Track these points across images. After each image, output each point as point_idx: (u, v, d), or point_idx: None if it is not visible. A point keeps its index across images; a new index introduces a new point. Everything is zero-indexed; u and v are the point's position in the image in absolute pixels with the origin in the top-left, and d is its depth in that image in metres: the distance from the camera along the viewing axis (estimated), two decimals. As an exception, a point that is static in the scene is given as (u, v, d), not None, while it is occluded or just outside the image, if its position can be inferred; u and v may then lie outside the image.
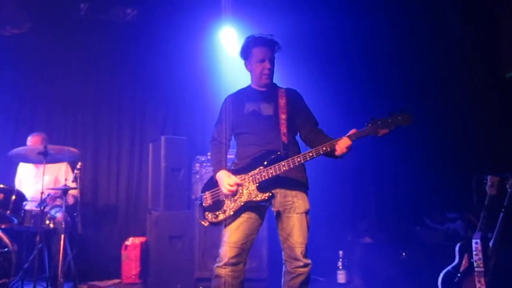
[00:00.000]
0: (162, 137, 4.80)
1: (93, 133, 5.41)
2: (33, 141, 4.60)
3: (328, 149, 2.69)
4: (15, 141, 4.87)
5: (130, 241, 4.89)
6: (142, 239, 4.92)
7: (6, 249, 3.88)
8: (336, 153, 2.69)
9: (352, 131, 2.73)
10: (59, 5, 5.13)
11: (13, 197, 3.93)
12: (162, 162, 4.73)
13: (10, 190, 3.97)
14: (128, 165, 5.44)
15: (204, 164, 4.61)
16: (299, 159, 2.76)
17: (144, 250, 4.87)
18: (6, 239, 3.95)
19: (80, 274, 4.45)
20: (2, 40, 5.25)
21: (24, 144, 4.57)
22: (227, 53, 5.05)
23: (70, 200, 4.58)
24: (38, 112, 5.30)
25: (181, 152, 4.87)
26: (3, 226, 4.02)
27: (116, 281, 4.88)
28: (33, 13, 5.25)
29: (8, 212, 3.89)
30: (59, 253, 4.18)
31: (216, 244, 4.02)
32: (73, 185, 4.35)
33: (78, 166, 4.32)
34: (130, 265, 4.83)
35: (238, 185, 2.79)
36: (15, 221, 4.00)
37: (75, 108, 5.38)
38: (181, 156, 4.85)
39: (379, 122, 2.69)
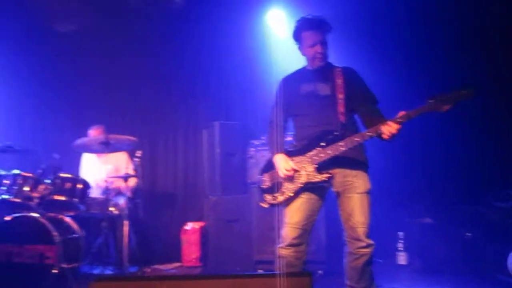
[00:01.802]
0: (216, 123, 4.86)
1: (149, 123, 5.58)
2: (94, 132, 4.79)
3: (380, 131, 2.64)
4: (76, 133, 5.08)
5: (189, 226, 5.02)
6: (200, 223, 5.04)
7: (75, 235, 4.09)
8: (384, 136, 2.63)
9: (401, 113, 2.64)
10: (110, -1, 5.29)
11: (79, 186, 4.12)
12: (217, 147, 4.80)
13: (76, 179, 4.16)
14: (183, 152, 5.58)
15: (259, 148, 4.64)
16: (357, 139, 2.72)
17: (203, 234, 4.98)
18: (74, 226, 4.16)
19: (143, 258, 4.63)
20: (59, 36, 5.48)
21: (84, 135, 4.77)
22: (276, 35, 5.02)
23: (131, 187, 4.75)
24: (96, 105, 5.51)
25: (235, 137, 4.92)
26: (71, 214, 4.23)
27: (177, 264, 5.03)
28: (86, 9, 5.43)
29: (75, 200, 4.08)
30: (124, 238, 4.37)
31: (273, 227, 4.05)
32: (133, 172, 4.51)
33: (137, 155, 4.46)
34: (190, 249, 4.96)
35: (294, 170, 2.79)
36: (82, 208, 4.19)
37: (131, 99, 5.56)
38: (235, 141, 4.90)
39: (442, 98, 2.59)
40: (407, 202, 5.01)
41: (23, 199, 3.95)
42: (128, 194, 4.53)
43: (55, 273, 3.69)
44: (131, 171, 4.64)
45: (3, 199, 4.01)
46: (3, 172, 4.18)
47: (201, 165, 5.36)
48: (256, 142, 4.69)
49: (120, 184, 4.67)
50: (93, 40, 5.46)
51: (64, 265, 3.76)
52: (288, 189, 2.83)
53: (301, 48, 3.01)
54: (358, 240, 2.77)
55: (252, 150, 4.69)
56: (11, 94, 5.40)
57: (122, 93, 5.55)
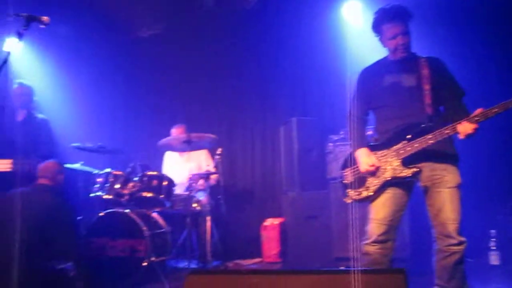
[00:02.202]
0: (293, 119, 4.86)
1: (227, 121, 5.72)
2: (176, 131, 4.99)
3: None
4: (160, 133, 5.33)
5: (268, 222, 5.07)
6: (280, 219, 5.06)
7: (162, 230, 4.29)
8: (460, 136, 2.53)
9: (477, 111, 2.50)
10: (188, 2, 5.47)
11: (165, 183, 4.30)
12: (295, 143, 4.80)
13: (162, 177, 4.35)
14: (261, 149, 5.65)
15: (338, 143, 4.56)
16: (447, 131, 2.59)
17: (282, 230, 5.00)
18: (161, 221, 4.36)
19: (225, 253, 4.75)
20: (141, 41, 5.78)
21: (166, 134, 4.97)
22: (353, 27, 4.91)
23: (212, 184, 4.88)
24: (178, 105, 5.76)
25: (313, 132, 4.88)
26: (157, 209, 4.44)
27: (258, 260, 5.10)
28: (165, 14, 5.68)
29: (162, 196, 4.26)
30: (206, 234, 4.51)
31: (354, 223, 3.96)
32: (214, 170, 4.63)
33: (218, 152, 4.58)
34: (270, 245, 5.00)
35: (377, 165, 2.72)
36: (167, 204, 4.38)
37: (210, 98, 5.73)
38: (313, 136, 4.86)
39: None
40: (500, 197, 4.68)
41: (115, 195, 4.21)
42: (209, 191, 4.65)
43: (144, 266, 3.89)
44: (212, 169, 4.77)
45: (97, 196, 4.30)
46: (96, 171, 4.50)
47: (279, 162, 5.38)
48: (335, 137, 4.62)
49: (202, 181, 4.81)
50: (172, 43, 5.71)
51: (153, 258, 3.95)
52: (373, 184, 2.76)
53: (382, 40, 2.91)
54: (449, 237, 2.63)
55: (330, 145, 4.62)
56: (103, 98, 5.79)
57: (202, 92, 5.74)
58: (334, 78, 5.07)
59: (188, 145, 4.33)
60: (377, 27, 2.88)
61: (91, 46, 5.73)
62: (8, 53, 2.46)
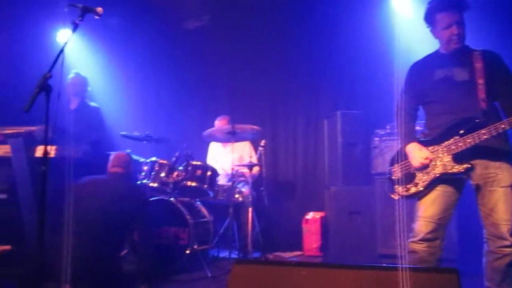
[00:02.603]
0: (338, 112, 4.80)
1: (270, 113, 5.72)
2: (220, 123, 5.04)
3: None
4: (203, 123, 5.40)
5: (310, 216, 5.05)
6: (321, 213, 5.03)
7: (205, 219, 4.36)
8: None
9: None
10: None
11: (209, 173, 4.36)
12: (339, 137, 4.74)
13: (206, 166, 4.41)
14: (304, 142, 5.62)
15: (384, 138, 4.47)
16: (503, 126, 2.48)
17: (324, 224, 4.97)
18: (204, 210, 4.43)
19: (266, 245, 4.78)
20: (188, 32, 5.86)
21: (210, 125, 5.03)
22: (403, 20, 4.77)
23: (255, 176, 4.91)
24: (222, 96, 5.81)
25: (357, 126, 4.80)
26: (200, 199, 4.51)
27: (299, 253, 5.09)
28: (211, 6, 5.73)
29: (205, 186, 4.32)
30: (247, 225, 4.54)
31: (399, 220, 3.89)
32: (257, 161, 4.65)
33: (262, 144, 4.60)
34: (311, 238, 4.99)
35: (430, 159, 2.65)
36: (210, 194, 4.44)
37: (254, 90, 5.73)
38: (358, 130, 4.78)
39: None
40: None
41: (160, 184, 4.30)
42: (252, 182, 4.68)
43: (188, 253, 3.96)
44: (254, 160, 4.80)
45: (143, 184, 4.41)
46: (142, 159, 4.61)
47: (322, 155, 5.34)
48: (381, 132, 4.53)
49: (245, 172, 4.85)
50: (218, 35, 5.74)
51: (195, 247, 4.03)
52: (422, 180, 2.69)
53: (434, 31, 2.82)
54: (502, 238, 2.53)
55: (376, 140, 4.54)
56: (151, 88, 5.93)
57: (246, 84, 5.75)
58: (382, 71, 4.95)
59: (232, 136, 4.37)
60: (430, 16, 2.78)
61: (140, 37, 5.86)
62: (65, 43, 2.55)
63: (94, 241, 2.96)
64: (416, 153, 2.70)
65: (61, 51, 2.55)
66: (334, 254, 4.61)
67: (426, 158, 2.66)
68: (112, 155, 3.73)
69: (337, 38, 5.38)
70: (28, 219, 4.44)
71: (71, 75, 4.58)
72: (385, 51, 4.89)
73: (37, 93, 2.42)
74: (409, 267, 1.60)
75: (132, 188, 3.63)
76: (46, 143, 2.43)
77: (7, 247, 4.39)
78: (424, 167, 2.68)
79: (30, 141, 4.43)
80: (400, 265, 1.60)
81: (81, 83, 4.57)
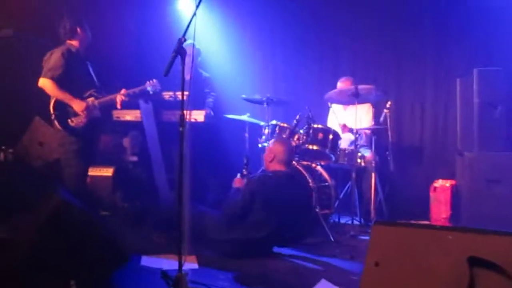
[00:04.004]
0: (475, 70, 4.43)
1: (394, 71, 5.50)
2: (343, 84, 4.97)
3: None
4: (324, 85, 5.39)
5: (439, 183, 4.82)
6: (452, 181, 4.78)
7: (326, 184, 4.39)
8: None
9: None
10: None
11: (330, 136, 4.35)
12: (475, 97, 4.40)
13: (328, 129, 4.40)
14: (432, 103, 5.36)
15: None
16: None
17: (454, 193, 4.72)
18: (325, 175, 4.46)
19: (389, 212, 4.71)
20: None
21: (332, 87, 4.98)
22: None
23: (379, 140, 4.79)
24: (344, 56, 5.71)
25: (497, 85, 4.40)
26: (322, 163, 4.54)
27: (425, 222, 4.92)
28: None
29: (327, 150, 4.34)
30: (370, 191, 4.50)
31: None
32: (382, 124, 4.54)
33: (387, 105, 4.46)
34: (440, 208, 4.77)
35: None
36: (333, 158, 4.44)
37: (377, 48, 5.54)
38: (497, 90, 4.39)
39: None
40: None
41: (281, 147, 4.40)
42: (376, 146, 4.59)
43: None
44: (378, 123, 4.68)
45: (264, 147, 4.55)
46: (263, 123, 4.76)
47: (453, 118, 5.02)
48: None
49: (368, 136, 4.77)
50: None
51: (317, 211, 4.10)
52: None
53: None
54: None
55: (520, 100, 4.14)
56: (270, 51, 5.97)
57: (369, 42, 5.56)
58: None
59: (355, 98, 4.30)
60: None
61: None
62: (197, 7, 2.68)
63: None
64: None
65: (194, 14, 2.69)
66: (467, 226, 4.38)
67: None
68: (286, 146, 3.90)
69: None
70: (159, 180, 4.89)
71: (186, 45, 4.81)
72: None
73: (174, 57, 2.60)
74: None
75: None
76: (183, 106, 2.62)
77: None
78: None
79: (158, 105, 4.83)
80: None
81: (196, 54, 4.80)
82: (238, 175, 4.05)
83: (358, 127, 4.53)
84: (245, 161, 4.14)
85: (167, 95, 4.71)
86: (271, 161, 3.85)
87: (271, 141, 4.00)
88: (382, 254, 1.85)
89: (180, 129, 2.58)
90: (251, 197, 3.54)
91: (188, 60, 4.64)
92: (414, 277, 1.73)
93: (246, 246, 3.47)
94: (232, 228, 3.53)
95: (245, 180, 3.87)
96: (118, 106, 4.03)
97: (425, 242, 1.75)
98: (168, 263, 3.09)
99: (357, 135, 4.47)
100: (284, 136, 4.41)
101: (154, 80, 4.14)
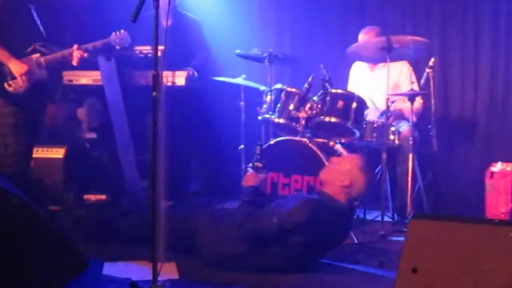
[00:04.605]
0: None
1: (438, 22, 5.49)
2: (365, 36, 4.94)
3: None
4: (344, 37, 5.36)
5: (497, 167, 4.85)
6: (514, 166, 4.83)
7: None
8: None
9: None
10: None
11: (353, 105, 4.33)
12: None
13: (351, 96, 4.39)
14: (489, 62, 5.36)
15: None
16: None
17: (518, 180, 4.77)
18: (347, 156, 4.47)
19: (433, 205, 4.74)
20: None
21: (354, 40, 4.95)
22: None
23: (418, 110, 4.79)
24: (366, 3, 5.68)
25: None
26: (343, 140, 4.55)
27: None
28: None
29: (349, 123, 4.32)
30: (407, 177, 4.50)
31: None
32: (422, 89, 4.53)
33: (430, 63, 4.44)
34: (498, 199, 4.81)
35: None
36: (356, 134, 4.44)
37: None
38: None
39: None
40: None
41: (288, 119, 4.41)
42: (414, 119, 4.59)
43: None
44: (417, 88, 4.67)
45: (265, 119, 4.56)
46: (263, 87, 4.74)
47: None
48: None
49: (403, 104, 4.76)
50: None
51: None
52: None
53: None
54: None
55: None
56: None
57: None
58: None
59: (387, 53, 4.28)
60: None
61: None
62: None
63: None
64: None
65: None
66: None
67: None
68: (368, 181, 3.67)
69: None
70: (125, 163, 4.90)
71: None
72: None
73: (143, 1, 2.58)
74: None
75: None
76: (157, 65, 2.60)
77: (102, 196, 4.93)
78: None
79: (123, 64, 4.79)
80: None
81: None
82: (250, 170, 3.90)
83: (391, 92, 4.53)
84: (257, 151, 3.88)
85: (140, 50, 4.66)
86: (340, 187, 3.51)
87: (354, 163, 3.65)
88: (422, 257, 1.86)
89: (154, 94, 2.57)
90: (292, 229, 3.30)
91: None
92: (464, 286, 1.74)
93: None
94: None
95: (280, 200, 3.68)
96: (74, 64, 3.99)
97: (479, 242, 1.77)
98: (139, 271, 3.11)
99: (390, 104, 4.47)
100: (292, 105, 4.39)
101: (122, 31, 4.09)
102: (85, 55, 3.98)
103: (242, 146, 4.98)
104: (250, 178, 3.79)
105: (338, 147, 4.48)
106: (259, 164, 3.87)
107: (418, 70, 4.97)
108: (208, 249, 3.48)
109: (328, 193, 3.54)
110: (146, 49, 4.54)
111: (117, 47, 4.14)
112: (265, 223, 3.36)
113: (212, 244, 3.47)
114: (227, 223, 3.54)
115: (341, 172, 3.54)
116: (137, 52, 4.64)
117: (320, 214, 3.36)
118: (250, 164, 3.94)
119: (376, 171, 4.74)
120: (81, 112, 5.01)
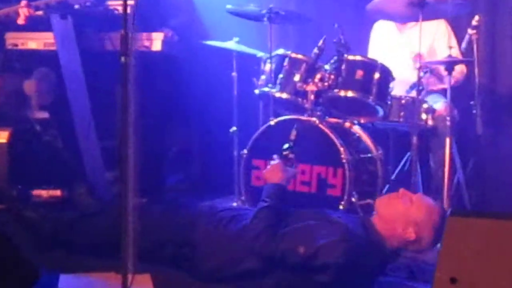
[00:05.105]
0: None
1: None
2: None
3: None
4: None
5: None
6: None
7: (369, 155, 4.42)
8: None
9: None
10: None
11: (376, 76, 4.34)
12: None
13: (373, 64, 4.39)
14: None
15: None
16: None
17: None
18: (368, 140, 4.48)
19: (475, 201, 4.77)
20: None
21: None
22: None
23: (459, 82, 4.79)
24: None
25: None
26: (362, 121, 4.57)
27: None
28: None
29: (371, 98, 4.33)
30: (443, 167, 4.52)
31: None
32: (463, 56, 4.54)
33: (474, 22, 4.45)
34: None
35: None
36: (379, 112, 4.44)
37: None
38: None
39: None
40: None
41: (293, 94, 4.42)
42: (453, 93, 4.59)
43: (341, 209, 4.08)
44: (458, 54, 4.67)
45: (263, 93, 4.57)
46: (261, 54, 4.74)
47: None
48: None
49: (440, 75, 4.76)
50: None
51: (354, 199, 4.13)
52: None
53: None
54: None
55: None
56: None
57: None
58: None
59: (419, 10, 4.28)
60: None
61: None
62: None
63: None
64: None
65: None
66: None
67: None
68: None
69: None
70: (86, 150, 4.90)
71: None
72: None
73: None
74: None
75: None
76: (126, 24, 2.58)
77: (56, 192, 4.94)
78: None
79: (83, 24, 4.78)
80: None
81: None
82: (276, 159, 3.64)
83: (424, 59, 4.53)
84: (290, 143, 3.66)
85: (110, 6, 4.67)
86: (400, 235, 3.22)
87: (432, 217, 3.21)
88: (462, 264, 1.88)
89: (122, 59, 2.56)
90: (320, 267, 3.12)
91: None
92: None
93: None
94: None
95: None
96: (21, 23, 3.97)
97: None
98: (104, 285, 3.13)
99: (423, 74, 4.48)
100: (298, 76, 4.39)
101: None
102: (35, 13, 3.96)
103: (234, 128, 4.97)
104: (275, 172, 3.54)
105: (356, 128, 4.49)
106: (290, 155, 3.65)
107: (458, 31, 4.99)
108: (198, 261, 3.38)
109: (379, 231, 3.27)
110: (116, 4, 4.54)
111: (76, 6, 4.13)
112: (288, 247, 3.15)
113: (203, 255, 3.37)
114: (232, 231, 3.38)
115: (410, 220, 3.18)
116: (103, 8, 4.64)
117: (358, 259, 3.12)
118: (278, 154, 3.66)
119: (405, 159, 4.76)
120: (29, 86, 4.97)
